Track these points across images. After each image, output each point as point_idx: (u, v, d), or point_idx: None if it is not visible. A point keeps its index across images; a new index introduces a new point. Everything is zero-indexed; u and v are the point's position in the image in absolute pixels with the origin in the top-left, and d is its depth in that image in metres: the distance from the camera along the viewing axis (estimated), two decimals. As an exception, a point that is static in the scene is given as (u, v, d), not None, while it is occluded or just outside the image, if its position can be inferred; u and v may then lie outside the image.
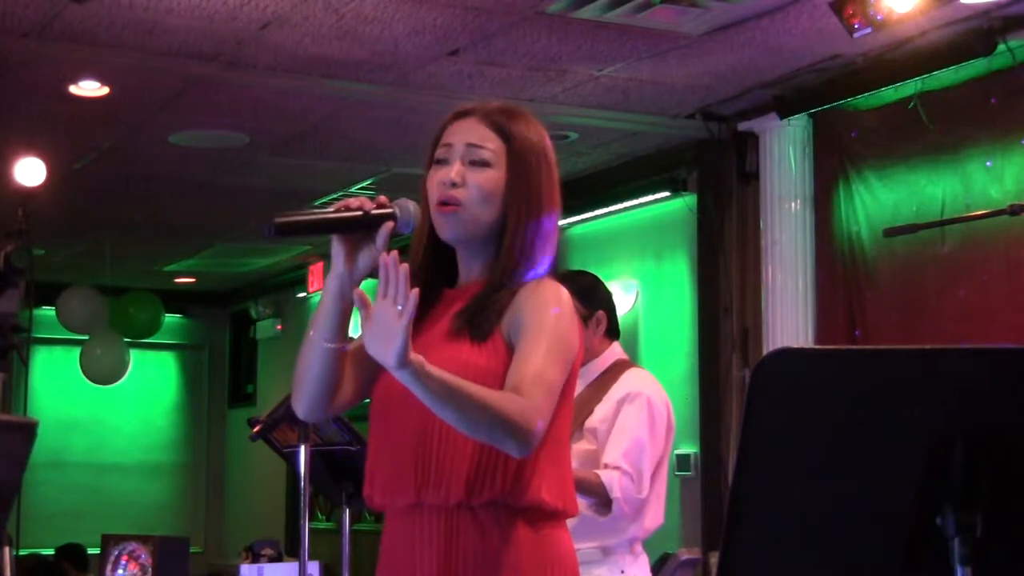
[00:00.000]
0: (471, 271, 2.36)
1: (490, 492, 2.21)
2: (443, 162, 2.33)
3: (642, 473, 3.58)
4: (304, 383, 2.34)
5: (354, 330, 2.36)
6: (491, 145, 2.31)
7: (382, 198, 2.28)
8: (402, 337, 1.99)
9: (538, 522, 2.26)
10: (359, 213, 2.25)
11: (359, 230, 2.28)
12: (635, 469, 3.57)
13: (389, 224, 2.25)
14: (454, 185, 2.30)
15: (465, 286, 2.36)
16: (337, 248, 2.28)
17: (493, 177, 2.30)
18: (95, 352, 10.00)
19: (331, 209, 2.28)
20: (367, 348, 2.06)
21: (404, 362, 2.01)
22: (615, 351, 3.83)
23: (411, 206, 2.28)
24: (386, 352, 2.02)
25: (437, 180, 2.32)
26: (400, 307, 2.01)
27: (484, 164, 2.31)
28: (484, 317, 2.26)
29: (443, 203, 2.30)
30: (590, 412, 3.67)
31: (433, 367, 2.06)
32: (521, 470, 2.22)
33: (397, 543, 2.30)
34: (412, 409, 2.21)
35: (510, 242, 2.30)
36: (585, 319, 3.69)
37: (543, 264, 2.33)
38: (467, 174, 2.30)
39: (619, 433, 3.63)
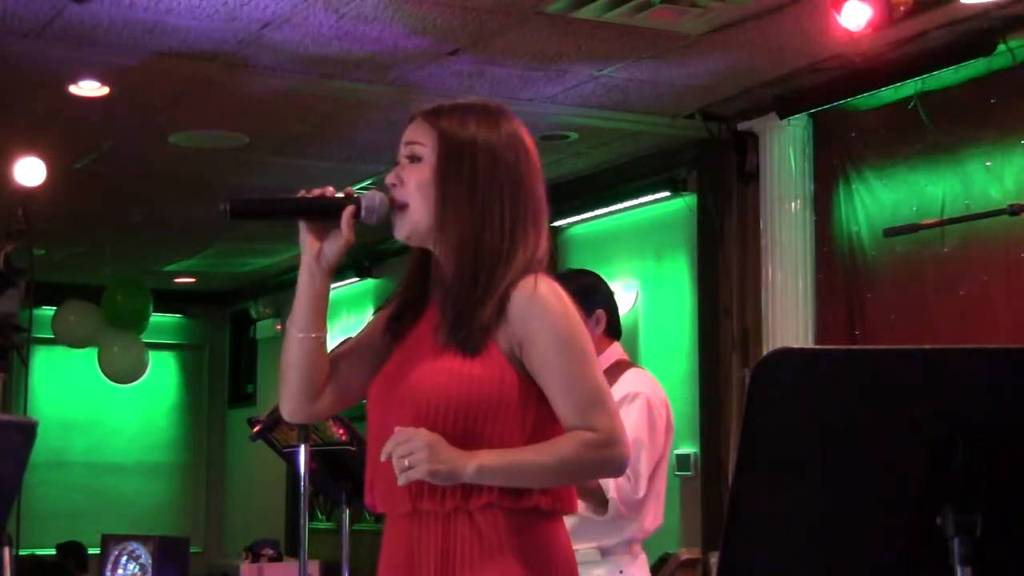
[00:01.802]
0: (442, 262, 2.35)
1: (487, 496, 2.21)
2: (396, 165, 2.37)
3: (639, 473, 3.57)
4: (286, 380, 2.36)
5: (343, 331, 2.37)
6: (423, 140, 2.32)
7: (349, 189, 2.31)
8: (433, 476, 2.16)
9: (535, 522, 2.26)
10: (319, 199, 2.27)
11: (319, 216, 2.30)
12: (632, 469, 3.56)
13: (350, 209, 2.28)
14: (393, 186, 2.33)
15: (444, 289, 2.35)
16: (304, 236, 2.31)
17: (423, 170, 2.30)
18: (113, 351, 9.99)
19: (293, 196, 2.31)
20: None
21: (459, 479, 2.17)
22: (615, 351, 3.82)
23: (378, 197, 2.29)
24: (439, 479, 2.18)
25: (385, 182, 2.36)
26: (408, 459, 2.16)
27: (417, 159, 2.32)
28: (469, 331, 2.23)
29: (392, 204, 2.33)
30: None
31: (490, 460, 2.18)
32: None
33: (397, 545, 2.30)
34: (408, 418, 2.23)
35: (450, 236, 2.27)
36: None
37: (515, 262, 2.27)
38: (404, 172, 2.33)
39: None
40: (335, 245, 2.30)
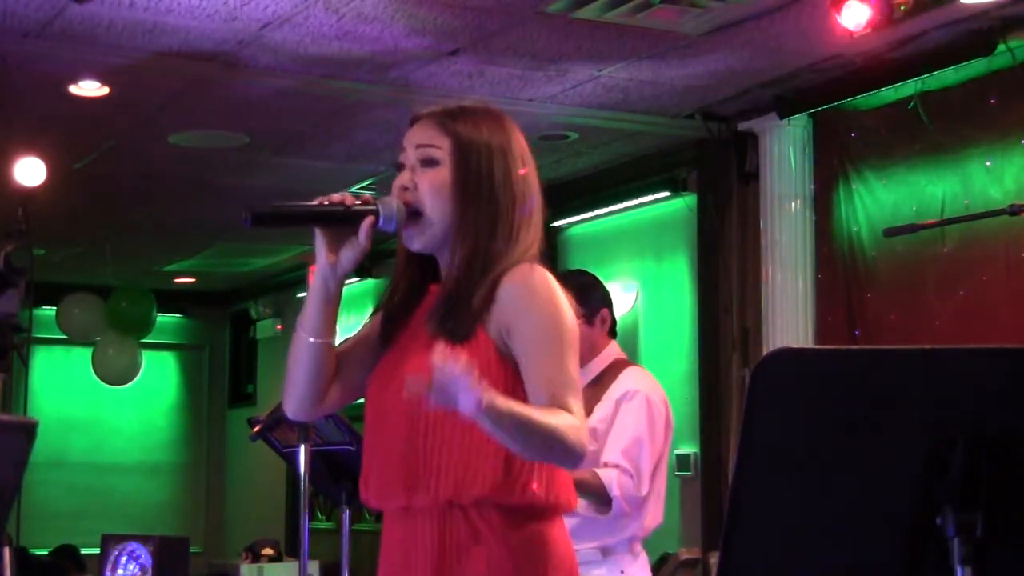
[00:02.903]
0: (449, 266, 2.35)
1: (480, 490, 2.21)
2: (401, 167, 2.36)
3: (641, 471, 3.58)
4: (292, 381, 2.36)
5: (343, 332, 2.37)
6: (437, 143, 2.33)
7: (366, 196, 2.31)
8: (470, 391, 2.01)
9: (532, 520, 2.26)
10: (339, 207, 2.27)
11: (339, 224, 2.30)
12: (634, 467, 3.57)
13: (370, 219, 2.27)
14: (405, 189, 2.32)
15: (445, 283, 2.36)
16: (320, 243, 2.30)
17: (440, 174, 2.31)
18: (107, 352, 9.99)
19: (313, 203, 2.30)
20: (435, 401, 2.05)
21: (480, 409, 2.02)
22: (613, 350, 3.84)
23: (394, 203, 2.30)
24: (461, 403, 2.03)
25: (395, 185, 2.35)
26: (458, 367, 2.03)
27: (432, 162, 2.32)
28: (458, 319, 2.24)
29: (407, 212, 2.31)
30: (589, 412, 3.66)
31: (502, 401, 2.07)
32: (510, 467, 2.22)
33: (393, 545, 2.31)
34: (401, 414, 2.24)
35: (467, 237, 2.28)
36: (587, 318, 3.68)
37: (512, 256, 2.28)
38: (417, 175, 2.33)
39: (618, 431, 3.63)
40: (351, 253, 2.30)
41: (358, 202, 2.29)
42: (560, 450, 2.17)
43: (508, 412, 2.08)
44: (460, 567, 2.22)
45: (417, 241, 2.33)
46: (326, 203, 2.28)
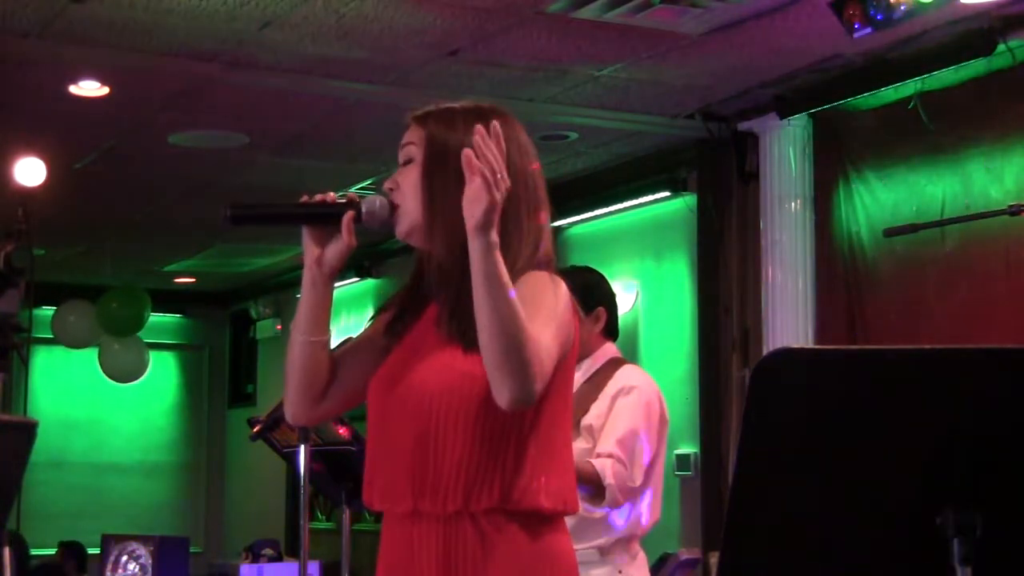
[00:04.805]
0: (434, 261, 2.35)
1: (488, 500, 2.21)
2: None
3: (635, 461, 3.58)
4: (288, 384, 2.37)
5: (343, 332, 2.37)
6: (414, 142, 2.34)
7: (351, 194, 2.32)
8: (488, 204, 2.06)
9: (537, 526, 2.25)
10: (317, 204, 2.29)
11: (321, 222, 2.31)
12: (628, 456, 3.56)
13: (349, 214, 2.28)
14: (391, 190, 2.34)
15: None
16: (306, 241, 2.32)
17: (414, 171, 2.32)
18: (113, 349, 9.98)
19: (294, 202, 2.32)
20: (464, 208, 2.09)
21: (485, 228, 2.06)
22: (609, 350, 3.84)
23: (378, 201, 2.31)
24: (473, 215, 2.07)
25: (384, 188, 2.37)
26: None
27: (409, 162, 2.34)
28: (469, 322, 2.19)
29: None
30: (585, 410, 3.67)
31: (501, 261, 2.09)
32: (518, 476, 2.22)
33: (396, 547, 2.30)
34: (409, 416, 2.23)
35: (439, 230, 2.28)
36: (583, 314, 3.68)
37: (510, 250, 2.23)
38: (400, 175, 2.34)
39: (613, 423, 3.63)
40: (336, 250, 2.31)
41: (341, 200, 2.30)
42: (517, 359, 2.09)
43: (501, 272, 2.08)
44: (467, 571, 2.21)
45: (400, 227, 2.33)
46: (307, 202, 2.30)
